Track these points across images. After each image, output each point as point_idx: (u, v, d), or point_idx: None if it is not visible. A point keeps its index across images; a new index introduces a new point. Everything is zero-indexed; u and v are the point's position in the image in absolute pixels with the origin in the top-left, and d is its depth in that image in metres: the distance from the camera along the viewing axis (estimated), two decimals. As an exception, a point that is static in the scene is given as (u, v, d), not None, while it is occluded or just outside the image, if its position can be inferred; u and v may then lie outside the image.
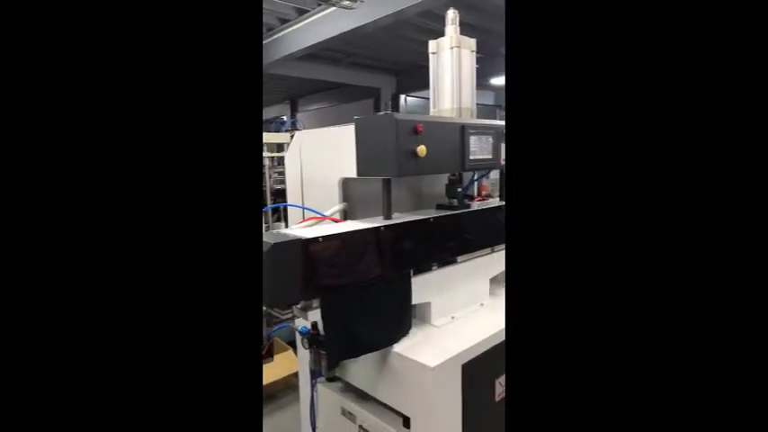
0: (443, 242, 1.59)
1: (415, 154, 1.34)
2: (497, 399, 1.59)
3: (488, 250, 1.86)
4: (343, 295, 1.29)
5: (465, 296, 1.74)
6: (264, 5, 4.37)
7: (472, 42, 1.65)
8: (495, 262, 1.90)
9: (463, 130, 1.52)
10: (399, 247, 1.42)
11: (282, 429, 2.21)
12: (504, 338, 1.59)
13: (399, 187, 1.79)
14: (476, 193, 2.09)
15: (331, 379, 1.77)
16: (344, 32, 4.56)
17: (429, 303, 1.62)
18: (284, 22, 5.12)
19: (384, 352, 1.47)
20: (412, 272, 1.52)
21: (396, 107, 8.03)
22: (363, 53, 6.50)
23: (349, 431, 1.67)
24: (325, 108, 9.90)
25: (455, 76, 1.61)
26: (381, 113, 1.35)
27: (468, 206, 1.74)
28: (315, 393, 1.85)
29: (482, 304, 1.82)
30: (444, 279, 1.65)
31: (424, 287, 1.57)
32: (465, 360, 1.42)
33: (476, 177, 2.07)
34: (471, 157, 1.56)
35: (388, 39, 5.90)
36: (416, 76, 7.66)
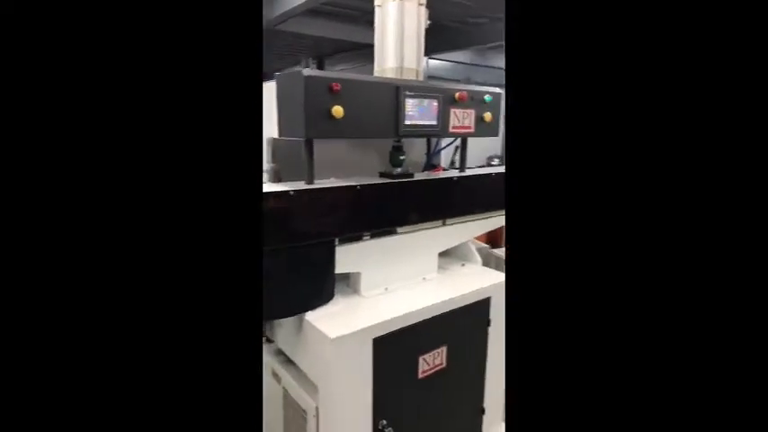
0: (375, 211, 1.51)
1: (329, 115, 1.26)
2: (421, 376, 1.54)
3: (438, 223, 1.77)
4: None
5: (404, 269, 1.68)
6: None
7: (421, -6, 1.50)
8: (445, 235, 1.81)
9: (398, 92, 1.41)
10: (315, 213, 1.36)
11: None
12: (433, 314, 1.53)
13: (366, 150, 1.72)
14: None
15: (269, 340, 1.78)
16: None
17: (359, 273, 1.57)
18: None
19: (301, 318, 1.44)
20: (337, 240, 1.46)
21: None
22: (384, 11, 6.24)
23: (276, 392, 1.68)
24: (352, 69, 9.67)
25: (398, 31, 1.48)
26: (294, 70, 1.26)
27: (412, 175, 1.64)
28: (253, 353, 1.88)
29: (425, 278, 1.75)
30: (378, 249, 1.58)
31: (353, 256, 1.51)
32: (377, 334, 1.37)
33: (443, 146, 1.95)
34: (408, 122, 1.45)
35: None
36: (440, 37, 7.30)
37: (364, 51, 8.83)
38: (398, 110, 1.42)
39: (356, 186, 1.44)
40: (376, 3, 1.53)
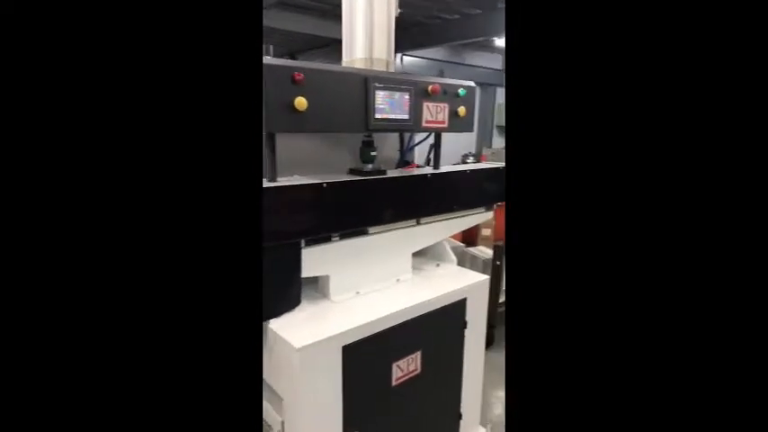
0: (344, 211, 1.42)
1: (292, 107, 1.16)
2: (395, 383, 1.47)
3: (412, 222, 1.70)
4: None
5: (376, 271, 1.60)
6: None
7: (390, -19, 1.42)
8: (419, 235, 1.73)
9: (367, 83, 1.32)
10: (278, 213, 1.25)
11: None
12: (407, 318, 1.46)
13: (336, 146, 1.62)
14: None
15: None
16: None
17: (328, 277, 1.48)
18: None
19: (265, 326, 1.34)
20: (303, 241, 1.37)
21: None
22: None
23: (241, 405, 1.58)
24: (327, 65, 9.53)
25: (367, 19, 1.39)
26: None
27: (384, 172, 1.55)
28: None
29: (398, 280, 1.68)
30: (348, 251, 1.49)
31: (321, 259, 1.42)
32: (348, 341, 1.29)
33: (417, 142, 1.87)
34: (378, 116, 1.36)
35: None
36: (414, 32, 7.25)
37: (337, 47, 8.70)
38: (368, 102, 1.33)
39: (322, 184, 1.34)
40: (343, -11, 1.44)
